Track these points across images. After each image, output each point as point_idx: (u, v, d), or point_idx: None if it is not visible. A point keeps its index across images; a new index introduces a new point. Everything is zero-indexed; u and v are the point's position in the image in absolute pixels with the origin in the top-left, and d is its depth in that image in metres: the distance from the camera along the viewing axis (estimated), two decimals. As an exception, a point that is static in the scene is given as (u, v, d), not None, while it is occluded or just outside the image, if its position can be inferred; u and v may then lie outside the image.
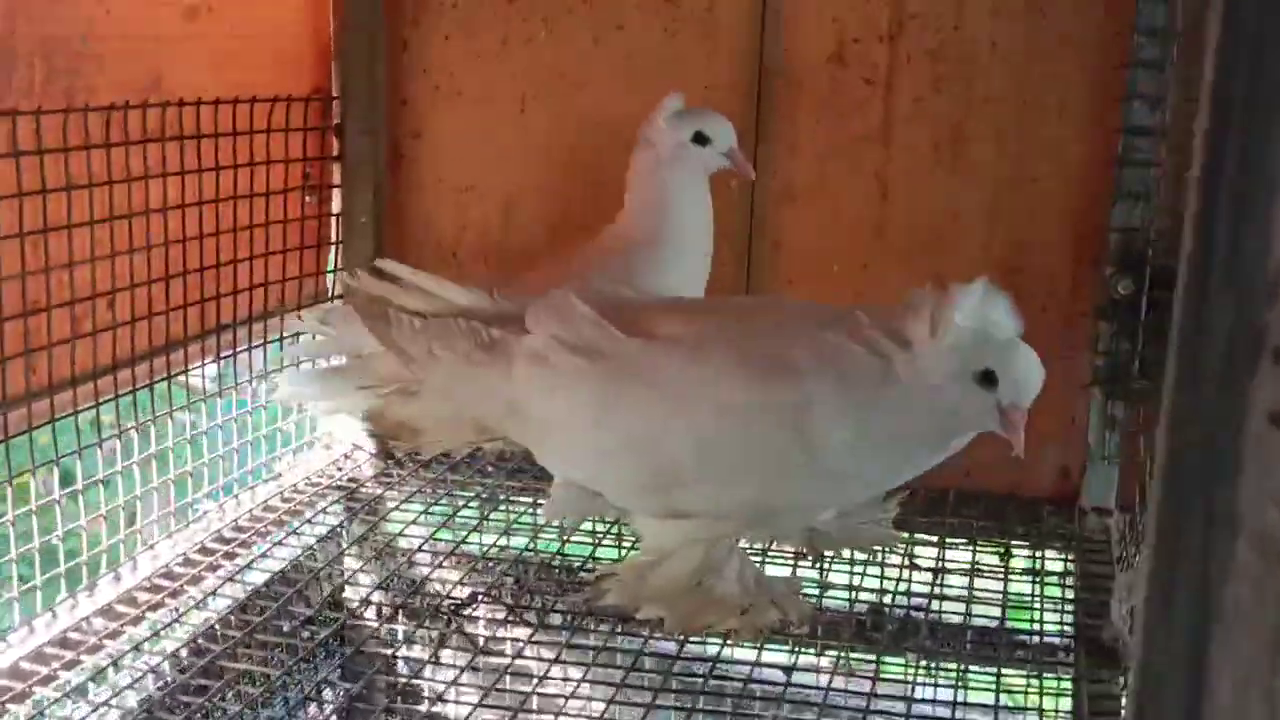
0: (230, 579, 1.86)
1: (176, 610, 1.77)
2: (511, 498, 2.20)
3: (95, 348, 1.77)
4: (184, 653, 1.69)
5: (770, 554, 1.96)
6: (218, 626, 1.76)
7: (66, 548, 1.75)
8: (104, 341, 1.79)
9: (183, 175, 1.91)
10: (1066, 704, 1.71)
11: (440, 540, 2.07)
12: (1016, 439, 1.46)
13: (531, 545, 2.10)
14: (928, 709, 1.81)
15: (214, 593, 1.82)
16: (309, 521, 2.07)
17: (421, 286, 1.71)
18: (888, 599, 1.95)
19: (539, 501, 2.13)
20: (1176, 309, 0.69)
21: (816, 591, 1.93)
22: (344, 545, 2.08)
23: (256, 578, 1.89)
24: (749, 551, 1.87)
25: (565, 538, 2.07)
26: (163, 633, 1.72)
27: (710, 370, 1.53)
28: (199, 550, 1.92)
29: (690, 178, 2.03)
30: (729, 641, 1.72)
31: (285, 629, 1.78)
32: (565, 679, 1.76)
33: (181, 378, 1.99)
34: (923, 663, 1.82)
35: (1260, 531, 0.63)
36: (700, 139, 2.00)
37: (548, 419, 1.61)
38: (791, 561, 1.95)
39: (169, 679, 1.64)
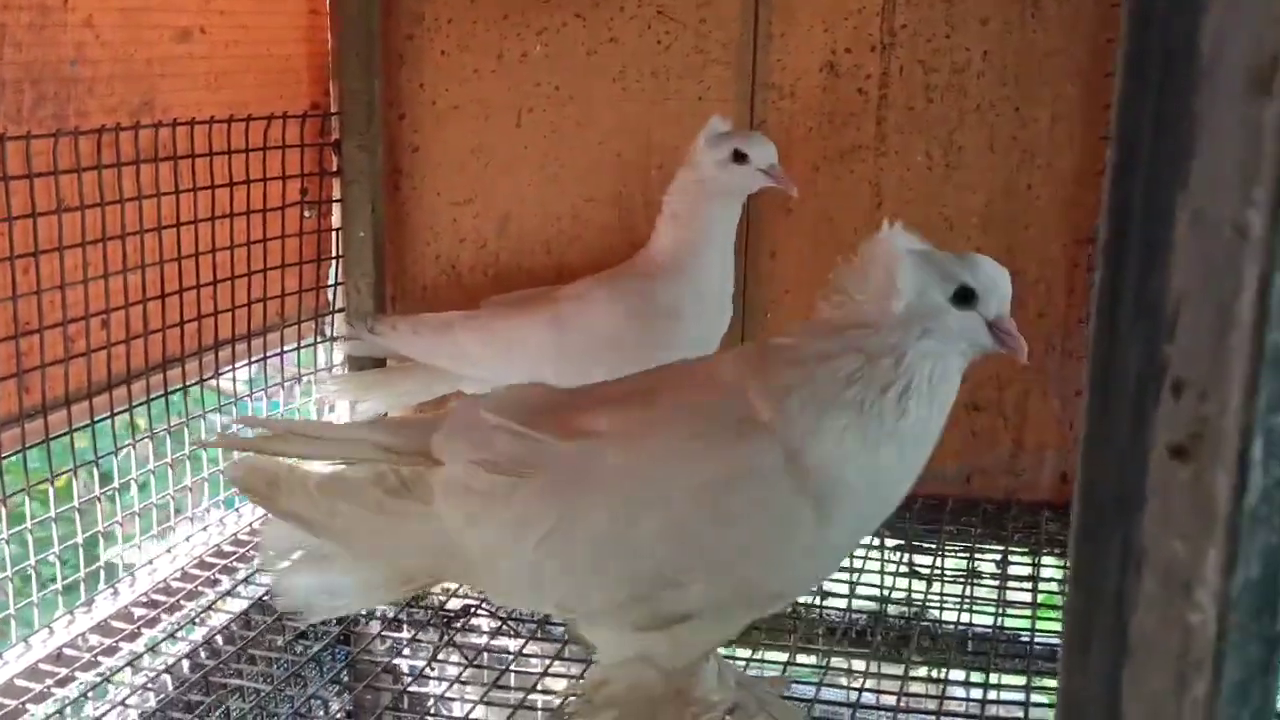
0: (229, 593, 1.88)
1: (175, 624, 1.80)
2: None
3: (90, 367, 1.79)
4: (185, 666, 1.71)
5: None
6: (219, 639, 1.78)
7: (63, 564, 1.78)
8: (98, 361, 1.80)
9: (177, 194, 1.93)
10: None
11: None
12: (1019, 347, 1.33)
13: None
14: None
15: (210, 607, 1.84)
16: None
17: (307, 435, 1.52)
18: (886, 606, 1.96)
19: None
20: (1090, 340, 0.70)
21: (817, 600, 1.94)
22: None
23: (255, 591, 1.90)
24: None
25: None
26: (160, 648, 1.74)
27: (670, 451, 1.36)
28: (197, 565, 1.94)
29: (727, 199, 2.03)
30: None
31: (279, 643, 1.80)
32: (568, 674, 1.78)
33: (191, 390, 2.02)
34: (921, 669, 1.83)
35: (1164, 563, 0.63)
36: (739, 157, 1.99)
37: (488, 551, 1.39)
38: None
39: (169, 694, 1.65)
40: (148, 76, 1.87)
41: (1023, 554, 2.08)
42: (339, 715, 1.83)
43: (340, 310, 2.36)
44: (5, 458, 1.66)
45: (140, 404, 1.91)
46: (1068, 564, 1.94)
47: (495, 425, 1.38)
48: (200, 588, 1.89)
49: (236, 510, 2.12)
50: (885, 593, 1.97)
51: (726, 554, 1.34)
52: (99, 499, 1.85)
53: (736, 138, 2.01)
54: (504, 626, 1.90)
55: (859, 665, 2.01)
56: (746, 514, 1.33)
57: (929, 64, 2.13)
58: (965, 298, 1.32)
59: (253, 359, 2.17)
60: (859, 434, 1.31)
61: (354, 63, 2.29)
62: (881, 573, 2.02)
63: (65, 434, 1.76)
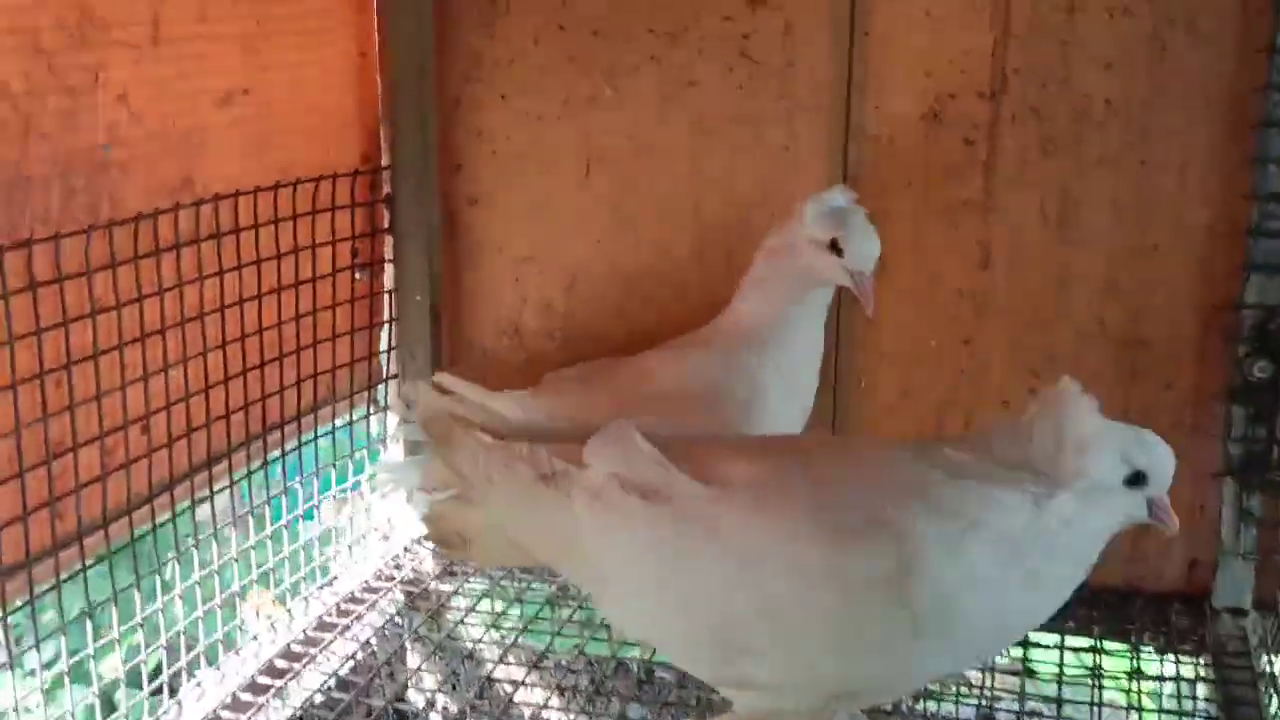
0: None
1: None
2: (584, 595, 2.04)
3: (129, 479, 1.61)
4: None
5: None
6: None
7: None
8: (139, 471, 1.63)
9: (220, 275, 1.75)
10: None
11: (510, 642, 1.96)
12: (1171, 524, 1.41)
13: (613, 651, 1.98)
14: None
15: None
16: (370, 636, 1.92)
17: (484, 405, 1.62)
18: (1000, 704, 1.79)
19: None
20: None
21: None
22: (407, 644, 1.96)
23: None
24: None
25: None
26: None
27: (785, 526, 1.35)
28: (248, 688, 1.77)
29: (812, 281, 1.83)
30: None
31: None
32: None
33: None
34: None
35: None
36: (835, 248, 1.78)
37: (604, 563, 1.45)
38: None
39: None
40: (186, 151, 1.68)
41: (1153, 651, 1.90)
42: None
43: (394, 377, 2.18)
44: (39, 597, 1.48)
45: (183, 510, 1.73)
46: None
47: (640, 446, 1.42)
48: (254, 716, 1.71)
49: (288, 611, 1.95)
50: (991, 694, 1.79)
51: (808, 641, 1.36)
52: (139, 625, 1.67)
53: (842, 226, 1.78)
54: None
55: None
56: (837, 610, 1.33)
57: (1044, 112, 1.92)
58: (1137, 481, 1.37)
59: (303, 440, 1.98)
60: (998, 566, 1.32)
61: (407, 108, 2.11)
62: (992, 671, 1.84)
63: (106, 557, 1.58)
